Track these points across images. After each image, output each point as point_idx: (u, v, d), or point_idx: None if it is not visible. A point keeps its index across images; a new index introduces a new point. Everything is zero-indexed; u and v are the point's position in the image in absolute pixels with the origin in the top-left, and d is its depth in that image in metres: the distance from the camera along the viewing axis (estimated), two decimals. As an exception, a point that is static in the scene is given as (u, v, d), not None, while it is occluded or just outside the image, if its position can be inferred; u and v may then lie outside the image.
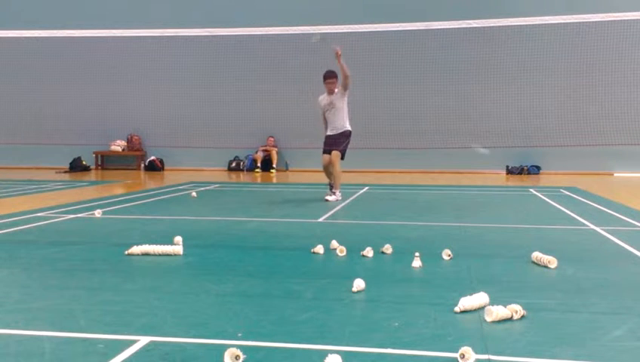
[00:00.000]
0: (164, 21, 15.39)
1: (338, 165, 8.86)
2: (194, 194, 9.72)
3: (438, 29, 14.29)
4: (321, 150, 9.10)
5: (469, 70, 15.83)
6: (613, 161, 15.42)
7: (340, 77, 8.77)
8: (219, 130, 16.68)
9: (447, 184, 12.23)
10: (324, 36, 9.18)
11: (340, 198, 8.92)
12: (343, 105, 8.83)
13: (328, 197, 8.85)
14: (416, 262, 4.31)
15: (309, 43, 15.50)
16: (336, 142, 8.88)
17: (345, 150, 8.94)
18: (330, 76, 8.82)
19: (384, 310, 3.23)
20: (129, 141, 17.74)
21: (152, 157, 17.34)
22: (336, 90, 8.82)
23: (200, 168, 17.05)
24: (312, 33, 9.37)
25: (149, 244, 4.80)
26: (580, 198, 9.23)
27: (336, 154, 8.81)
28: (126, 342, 2.71)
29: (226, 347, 2.52)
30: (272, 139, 16.86)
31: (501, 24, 13.24)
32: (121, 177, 14.35)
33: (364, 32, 14.23)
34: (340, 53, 8.54)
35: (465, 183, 12.48)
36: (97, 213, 7.12)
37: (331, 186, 9.15)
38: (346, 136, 8.90)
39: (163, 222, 6.80)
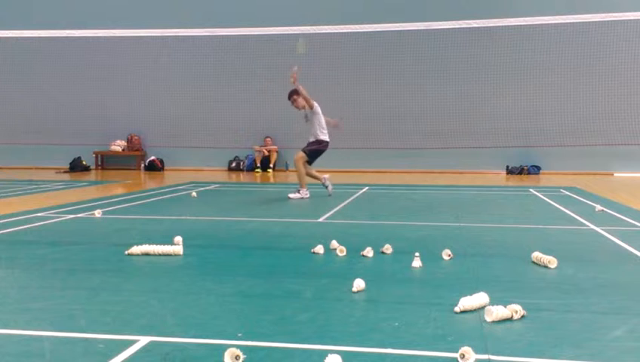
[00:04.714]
0: (164, 21, 15.40)
1: (299, 165, 9.34)
2: (194, 194, 9.73)
3: (438, 29, 14.29)
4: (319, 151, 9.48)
5: (468, 70, 15.84)
6: (613, 161, 15.43)
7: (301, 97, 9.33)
8: (219, 130, 16.69)
9: (447, 184, 12.23)
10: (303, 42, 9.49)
11: (307, 196, 9.21)
12: (314, 119, 9.39)
13: (291, 195, 9.24)
14: (416, 262, 4.31)
15: (310, 43, 15.53)
16: (308, 144, 9.46)
17: (312, 154, 9.40)
18: (289, 96, 9.45)
19: (384, 310, 3.22)
20: (129, 141, 17.75)
21: (152, 157, 17.35)
22: (304, 106, 9.35)
23: (200, 168, 17.06)
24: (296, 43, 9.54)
25: (149, 244, 4.80)
26: (580, 198, 9.23)
27: (299, 155, 9.36)
28: (126, 342, 2.71)
29: (226, 347, 2.53)
30: (269, 139, 16.84)
31: (501, 24, 13.25)
32: (121, 177, 14.35)
33: (364, 32, 14.23)
34: (295, 78, 9.15)
35: (465, 183, 12.48)
36: (97, 213, 7.11)
37: (326, 186, 9.57)
38: (315, 143, 9.42)
39: (163, 222, 6.80)
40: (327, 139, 9.45)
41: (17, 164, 17.40)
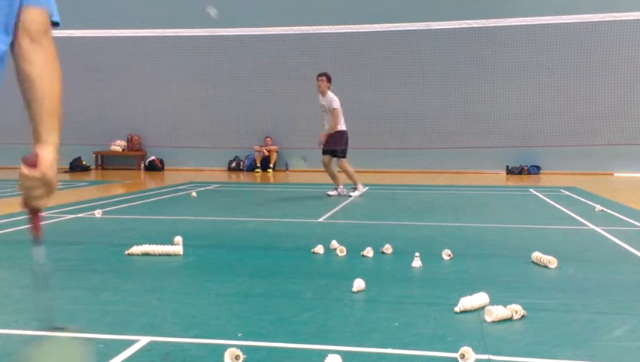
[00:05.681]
0: (164, 21, 15.40)
1: (348, 167, 9.50)
2: (194, 194, 9.73)
3: (438, 29, 14.30)
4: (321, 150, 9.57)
5: (469, 70, 15.83)
6: (613, 161, 15.41)
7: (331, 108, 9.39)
8: (219, 130, 16.68)
9: (447, 184, 12.23)
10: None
11: (363, 190, 9.59)
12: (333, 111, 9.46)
13: (330, 193, 9.45)
14: (416, 262, 4.31)
15: (309, 43, 15.56)
16: (331, 143, 9.43)
17: (344, 149, 9.48)
18: (319, 75, 9.50)
19: (384, 310, 3.23)
20: (129, 141, 17.74)
21: (152, 157, 17.34)
22: (328, 92, 9.38)
23: (200, 168, 17.06)
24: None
25: (149, 244, 4.79)
26: (580, 198, 9.23)
27: (342, 161, 9.49)
28: (126, 342, 2.71)
29: (226, 347, 2.53)
30: (269, 139, 16.84)
31: (501, 24, 13.25)
32: (121, 177, 14.35)
33: (364, 32, 14.24)
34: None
35: (465, 183, 12.48)
36: (97, 213, 7.11)
37: (336, 188, 9.59)
38: (338, 137, 9.41)
39: (163, 222, 6.80)
40: (345, 128, 9.52)
41: (17, 164, 17.34)
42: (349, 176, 9.54)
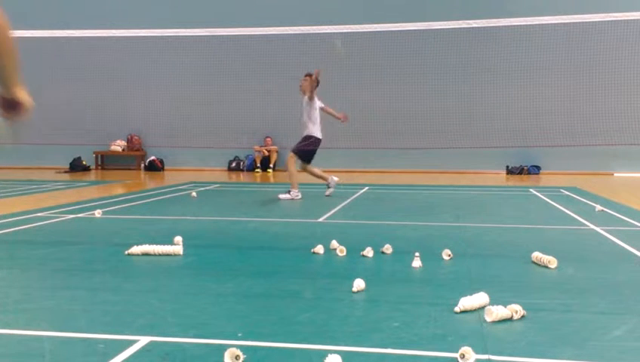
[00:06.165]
0: (164, 21, 15.40)
1: (291, 166, 9.35)
2: (194, 194, 9.73)
3: (438, 29, 14.30)
4: (320, 151, 9.55)
5: (469, 70, 15.83)
6: (613, 161, 15.42)
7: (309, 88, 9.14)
8: (219, 130, 16.68)
9: (447, 184, 12.23)
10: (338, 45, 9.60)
11: (298, 198, 9.09)
12: (309, 110, 9.20)
13: (281, 196, 9.15)
14: (416, 262, 4.31)
15: (309, 43, 15.55)
16: (297, 143, 9.36)
17: (304, 152, 9.29)
18: (305, 75, 9.27)
19: (384, 310, 3.22)
20: (129, 141, 17.75)
21: (152, 157, 17.34)
22: (307, 93, 9.14)
23: (200, 168, 17.06)
24: (334, 41, 9.66)
25: (149, 244, 4.79)
26: (580, 198, 9.23)
27: (290, 155, 9.39)
28: (126, 342, 2.71)
29: (226, 347, 2.53)
30: (269, 139, 16.86)
31: (501, 24, 13.26)
32: (121, 177, 14.35)
33: (364, 32, 14.23)
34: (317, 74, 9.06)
35: (465, 183, 12.48)
36: (97, 213, 7.11)
37: (328, 185, 9.51)
38: (304, 139, 9.29)
39: (163, 222, 6.80)
40: (318, 136, 9.23)
41: (17, 164, 17.40)
42: (290, 175, 9.30)
